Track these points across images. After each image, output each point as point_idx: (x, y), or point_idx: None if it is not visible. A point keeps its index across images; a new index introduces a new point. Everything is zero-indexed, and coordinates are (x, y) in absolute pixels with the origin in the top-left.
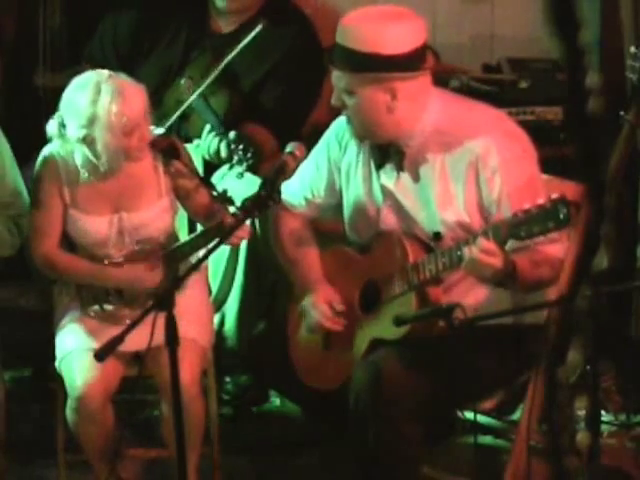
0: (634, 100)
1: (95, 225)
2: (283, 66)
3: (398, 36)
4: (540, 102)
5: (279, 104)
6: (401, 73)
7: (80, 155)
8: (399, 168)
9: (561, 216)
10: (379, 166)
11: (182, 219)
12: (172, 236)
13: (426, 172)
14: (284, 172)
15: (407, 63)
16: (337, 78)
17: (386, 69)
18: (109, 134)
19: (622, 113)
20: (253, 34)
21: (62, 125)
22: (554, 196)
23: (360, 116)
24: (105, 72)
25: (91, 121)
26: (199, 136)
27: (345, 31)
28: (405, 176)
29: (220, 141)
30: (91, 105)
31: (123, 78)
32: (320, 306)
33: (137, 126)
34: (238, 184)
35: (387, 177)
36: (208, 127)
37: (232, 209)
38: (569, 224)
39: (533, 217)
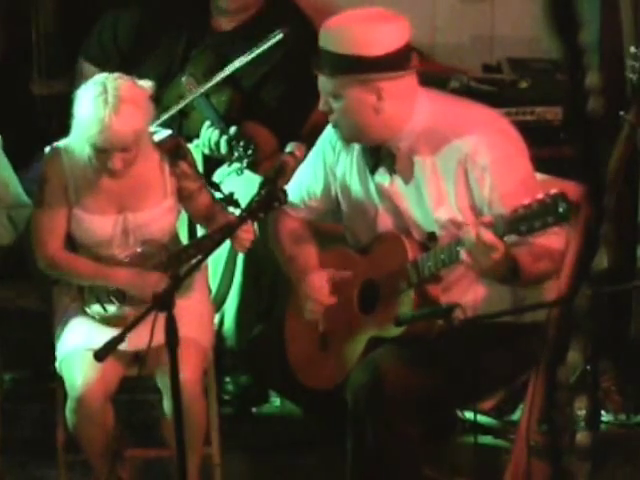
0: (634, 100)
1: (100, 225)
2: (283, 66)
3: (381, 37)
4: (540, 102)
5: (279, 104)
6: (386, 73)
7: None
8: (391, 170)
9: (561, 210)
10: (372, 170)
11: (182, 220)
12: (174, 237)
13: (418, 173)
14: (284, 172)
15: (391, 63)
16: (323, 83)
17: (371, 70)
18: (92, 150)
19: (622, 113)
20: (271, 42)
21: None
22: (553, 191)
23: (347, 119)
24: (110, 82)
25: (82, 130)
26: (199, 136)
27: (328, 35)
28: (398, 178)
29: (220, 135)
30: (85, 114)
31: (127, 88)
32: (316, 283)
33: (125, 149)
34: (238, 183)
35: (381, 180)
36: (208, 123)
37: (237, 211)
38: (569, 219)
39: (534, 212)
